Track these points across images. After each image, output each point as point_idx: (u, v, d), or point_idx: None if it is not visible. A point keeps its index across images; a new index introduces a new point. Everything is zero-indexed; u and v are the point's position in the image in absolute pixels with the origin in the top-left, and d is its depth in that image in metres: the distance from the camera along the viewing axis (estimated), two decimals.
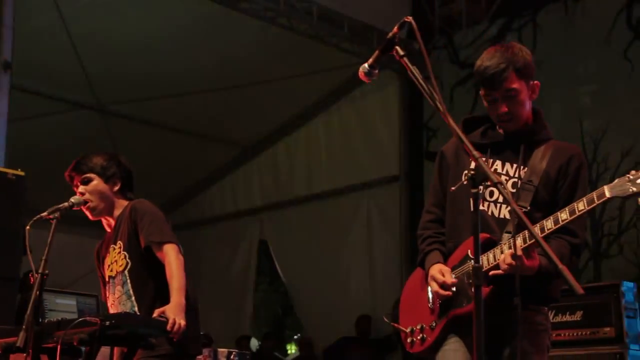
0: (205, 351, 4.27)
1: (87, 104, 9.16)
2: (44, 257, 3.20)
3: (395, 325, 3.15)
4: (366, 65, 2.60)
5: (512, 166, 2.95)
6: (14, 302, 5.11)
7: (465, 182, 2.43)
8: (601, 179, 7.95)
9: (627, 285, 5.07)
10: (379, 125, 9.68)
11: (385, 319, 3.28)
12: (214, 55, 8.79)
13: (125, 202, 3.70)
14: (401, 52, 2.47)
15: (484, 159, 2.91)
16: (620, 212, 7.81)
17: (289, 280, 10.62)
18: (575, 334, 5.10)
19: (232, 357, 4.40)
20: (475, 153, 2.32)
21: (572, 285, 2.10)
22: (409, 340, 3.07)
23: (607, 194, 2.53)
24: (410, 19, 2.44)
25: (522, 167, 2.94)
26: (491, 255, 2.83)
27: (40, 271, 3.17)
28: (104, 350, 3.78)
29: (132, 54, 8.52)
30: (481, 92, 2.96)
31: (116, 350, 3.63)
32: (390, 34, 2.49)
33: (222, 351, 4.40)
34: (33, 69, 7.91)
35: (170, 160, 10.32)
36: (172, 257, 3.43)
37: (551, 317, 5.14)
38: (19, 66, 6.65)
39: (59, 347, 3.06)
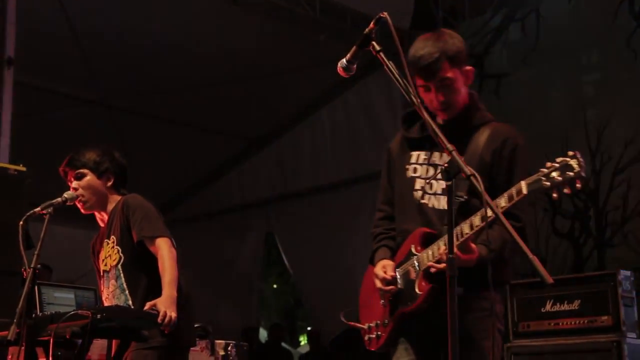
0: (203, 343, 4.31)
1: (92, 99, 9.22)
2: (36, 252, 3.26)
3: (351, 323, 3.15)
4: (344, 60, 2.63)
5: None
6: (16, 296, 5.18)
7: (439, 176, 2.44)
8: (605, 168, 7.95)
9: (625, 274, 5.08)
10: (383, 117, 9.69)
11: (342, 318, 3.23)
12: (218, 49, 8.83)
13: (118, 197, 3.74)
14: (377, 48, 2.50)
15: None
16: (624, 201, 7.81)
17: (296, 272, 10.69)
18: (572, 323, 5.12)
19: (229, 348, 4.44)
20: (449, 146, 2.35)
21: (542, 275, 2.11)
22: (366, 337, 3.07)
23: (524, 190, 2.48)
24: (385, 14, 2.47)
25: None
26: (430, 252, 2.83)
27: (32, 265, 3.23)
28: (102, 342, 3.85)
29: (137, 49, 8.56)
30: (417, 83, 2.93)
31: (114, 342, 3.69)
32: (367, 30, 2.52)
33: (220, 343, 4.43)
34: (37, 65, 7.98)
35: (176, 154, 10.38)
36: (164, 250, 3.47)
37: (549, 306, 5.21)
38: (22, 62, 6.71)
39: (51, 340, 3.12)
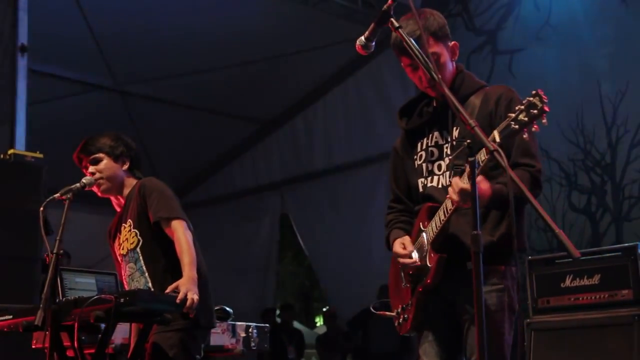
0: (223, 325, 4.32)
1: (105, 85, 9.23)
2: (58, 237, 3.27)
3: (380, 312, 3.18)
4: (363, 38, 2.63)
5: (448, 131, 2.98)
6: (37, 282, 5.23)
7: (464, 149, 2.43)
8: (621, 141, 7.89)
9: None
10: (396, 96, 9.64)
11: (373, 309, 3.29)
12: (230, 31, 8.81)
13: (134, 181, 3.75)
14: (396, 24, 2.49)
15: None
16: None
17: (312, 253, 10.71)
18: (593, 297, 5.08)
19: (250, 330, 4.45)
20: (471, 122, 2.34)
21: (568, 248, 2.10)
22: (396, 323, 3.09)
23: (497, 139, 2.45)
24: None
25: (454, 127, 2.95)
26: (434, 224, 2.87)
27: (54, 251, 3.24)
28: (125, 327, 3.87)
29: (148, 34, 8.56)
30: (403, 63, 2.94)
31: (133, 326, 3.71)
32: (385, 6, 2.51)
33: (241, 325, 4.45)
34: (50, 52, 7.97)
35: (189, 138, 10.40)
36: (180, 232, 3.48)
37: (569, 282, 5.18)
38: (35, 49, 6.70)
39: (76, 324, 3.13)
